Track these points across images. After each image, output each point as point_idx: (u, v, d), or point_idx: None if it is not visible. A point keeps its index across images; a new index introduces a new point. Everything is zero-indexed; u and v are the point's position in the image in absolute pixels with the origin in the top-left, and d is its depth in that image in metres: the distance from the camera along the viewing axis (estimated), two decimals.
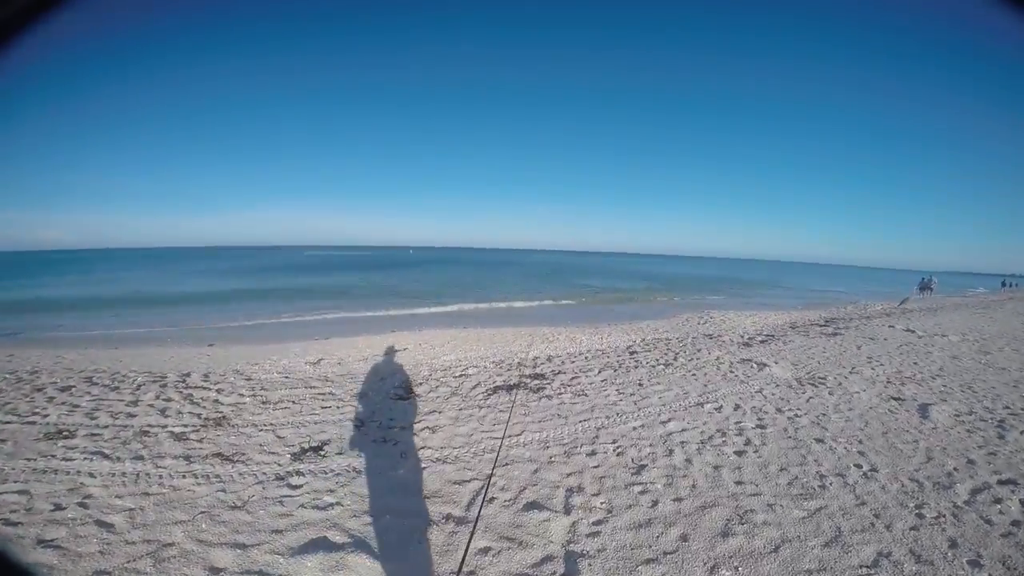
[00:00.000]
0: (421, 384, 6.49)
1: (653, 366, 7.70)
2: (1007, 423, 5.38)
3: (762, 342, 10.01)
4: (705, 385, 6.63)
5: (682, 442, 4.64)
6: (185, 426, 4.94)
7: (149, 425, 4.94)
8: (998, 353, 9.60)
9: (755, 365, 7.79)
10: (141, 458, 4.15)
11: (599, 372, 7.27)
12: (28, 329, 13.37)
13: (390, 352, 8.46)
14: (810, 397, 6.18)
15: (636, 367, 7.63)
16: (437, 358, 8.08)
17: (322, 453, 4.34)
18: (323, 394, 6.05)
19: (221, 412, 5.39)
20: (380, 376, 6.86)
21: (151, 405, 5.58)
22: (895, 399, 6.20)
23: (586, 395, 6.09)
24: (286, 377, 6.87)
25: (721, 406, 5.73)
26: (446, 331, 11.27)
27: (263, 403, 5.74)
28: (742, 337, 10.62)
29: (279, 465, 4.09)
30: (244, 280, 29.96)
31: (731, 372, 7.36)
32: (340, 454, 4.33)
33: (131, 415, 5.23)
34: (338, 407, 5.56)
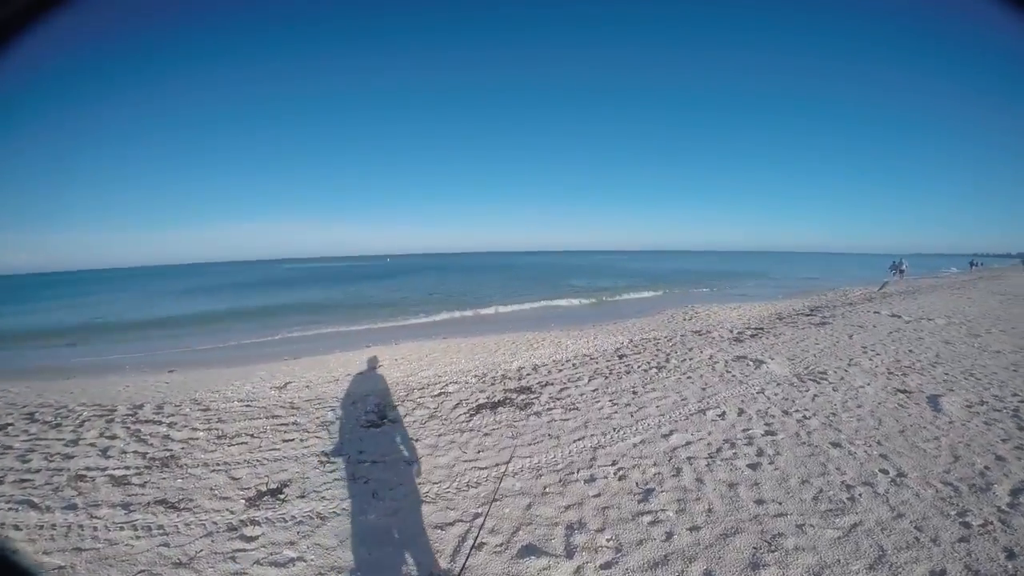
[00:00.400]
0: (396, 407, 5.91)
1: (645, 370, 7.24)
2: (1022, 412, 5.08)
3: (752, 336, 9.67)
4: (703, 389, 6.20)
5: (689, 458, 4.19)
6: (127, 468, 4.38)
7: (87, 468, 4.40)
8: (987, 335, 9.44)
9: (751, 362, 7.41)
10: (74, 507, 3.67)
11: (589, 381, 6.78)
12: None
13: (364, 371, 7.87)
14: (815, 395, 5.80)
15: (628, 372, 7.16)
16: (415, 375, 7.50)
17: (281, 497, 3.79)
18: (286, 424, 5.46)
19: (170, 450, 4.81)
20: (351, 400, 6.27)
21: (92, 444, 5.01)
22: (902, 392, 5.87)
23: (577, 409, 5.59)
24: (247, 406, 6.25)
25: (724, 412, 5.29)
26: (425, 343, 10.66)
27: (218, 438, 5.14)
28: (731, 332, 10.27)
29: (232, 513, 3.56)
30: (216, 299, 28.71)
31: (727, 372, 6.95)
32: (302, 497, 3.78)
33: (68, 456, 4.67)
34: (302, 440, 4.98)
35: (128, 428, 5.49)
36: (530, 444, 4.62)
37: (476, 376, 7.26)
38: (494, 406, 5.76)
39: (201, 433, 5.30)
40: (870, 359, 7.56)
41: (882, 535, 3.02)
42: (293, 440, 4.98)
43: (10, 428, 5.69)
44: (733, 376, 6.72)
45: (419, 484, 3.91)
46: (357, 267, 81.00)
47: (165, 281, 57.17)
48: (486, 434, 4.91)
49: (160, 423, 5.65)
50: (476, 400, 6.06)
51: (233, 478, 4.16)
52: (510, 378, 7.09)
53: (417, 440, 4.83)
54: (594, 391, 6.27)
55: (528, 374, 7.30)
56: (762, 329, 10.49)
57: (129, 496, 3.83)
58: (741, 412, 5.27)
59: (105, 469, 4.37)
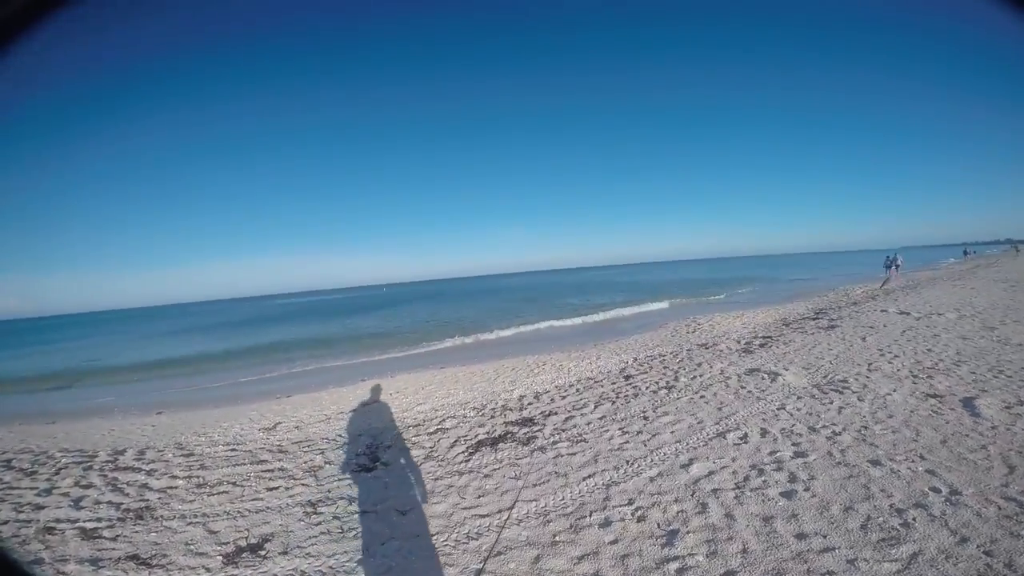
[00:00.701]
0: (390, 447, 5.45)
1: (654, 391, 6.76)
2: None
3: (762, 346, 9.25)
4: (719, 408, 5.75)
5: (714, 490, 3.75)
6: (99, 520, 4.10)
7: (57, 520, 4.14)
8: (1003, 327, 9.09)
9: (765, 375, 6.98)
10: (40, 562, 3.45)
11: (595, 407, 6.28)
12: None
13: (357, 408, 7.42)
14: (840, 407, 5.38)
15: (636, 395, 6.68)
16: (410, 410, 7.03)
17: (262, 553, 3.42)
18: (272, 471, 5.02)
19: (146, 500, 4.48)
20: (343, 441, 5.83)
21: (66, 494, 4.70)
22: (932, 396, 5.46)
23: (585, 441, 5.11)
24: (232, 450, 5.82)
25: (745, 434, 4.85)
26: (422, 374, 10.17)
27: (198, 486, 4.76)
28: (739, 343, 9.85)
29: (207, 570, 3.24)
30: (209, 337, 28.11)
31: (742, 387, 6.51)
32: (285, 553, 3.39)
33: (39, 507, 4.41)
34: (287, 488, 4.54)
35: (105, 476, 5.18)
36: (535, 485, 4.15)
37: (475, 409, 6.79)
38: (495, 442, 5.29)
39: (181, 481, 4.94)
40: (889, 362, 7.16)
41: (948, 565, 2.61)
42: (278, 488, 4.56)
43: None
44: (749, 392, 6.28)
45: (414, 536, 3.47)
46: (352, 298, 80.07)
47: (158, 322, 56.57)
48: (486, 475, 4.45)
49: (139, 470, 5.31)
50: (475, 436, 5.59)
51: (211, 531, 3.81)
52: (511, 409, 6.61)
53: (411, 485, 4.38)
54: (601, 419, 5.80)
55: (530, 403, 6.83)
56: (770, 337, 10.08)
57: (99, 551, 3.56)
58: (764, 432, 4.84)
59: (76, 521, 4.08)
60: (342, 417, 6.95)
